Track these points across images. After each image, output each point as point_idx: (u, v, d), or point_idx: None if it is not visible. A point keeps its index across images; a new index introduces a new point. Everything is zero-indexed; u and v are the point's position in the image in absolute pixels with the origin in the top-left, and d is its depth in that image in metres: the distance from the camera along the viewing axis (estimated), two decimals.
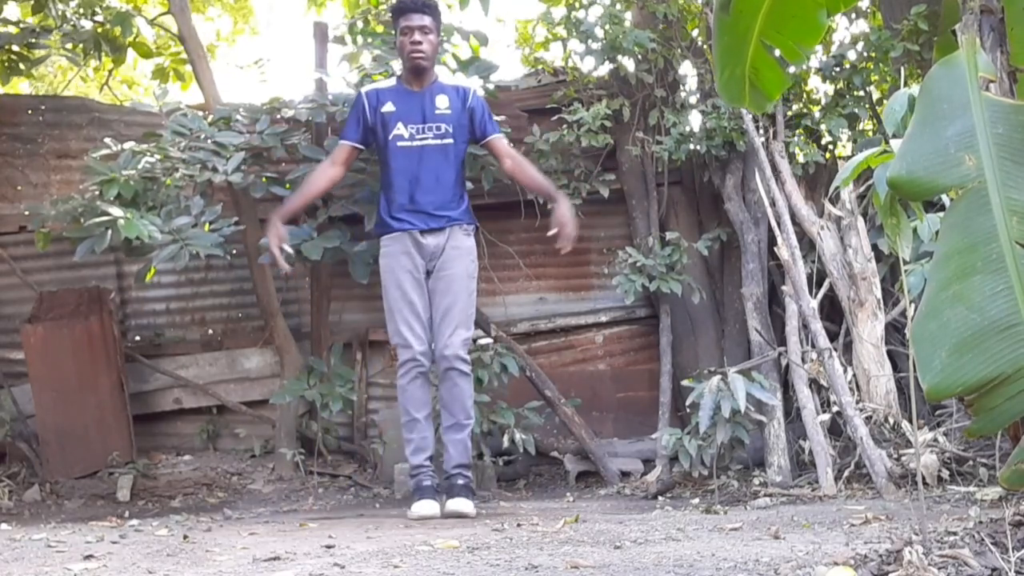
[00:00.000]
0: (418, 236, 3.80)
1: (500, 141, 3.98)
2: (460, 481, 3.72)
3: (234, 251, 4.74)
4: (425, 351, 3.77)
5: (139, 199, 4.09)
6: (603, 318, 5.15)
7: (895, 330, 4.27)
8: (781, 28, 2.10)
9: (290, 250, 3.86)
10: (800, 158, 4.48)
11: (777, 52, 2.15)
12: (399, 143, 3.83)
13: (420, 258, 3.81)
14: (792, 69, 2.35)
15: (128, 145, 4.26)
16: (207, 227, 4.13)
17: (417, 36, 3.80)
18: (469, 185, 4.22)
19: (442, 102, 3.87)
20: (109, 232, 3.84)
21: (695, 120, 4.81)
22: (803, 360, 4.00)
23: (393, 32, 4.46)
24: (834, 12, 2.12)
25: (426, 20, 3.81)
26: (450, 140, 3.85)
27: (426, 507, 3.60)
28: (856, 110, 4.61)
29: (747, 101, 2.23)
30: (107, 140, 4.36)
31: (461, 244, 3.85)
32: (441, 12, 3.98)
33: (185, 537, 2.98)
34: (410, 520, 3.52)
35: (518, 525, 3.10)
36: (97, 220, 3.85)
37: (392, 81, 3.97)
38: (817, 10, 2.08)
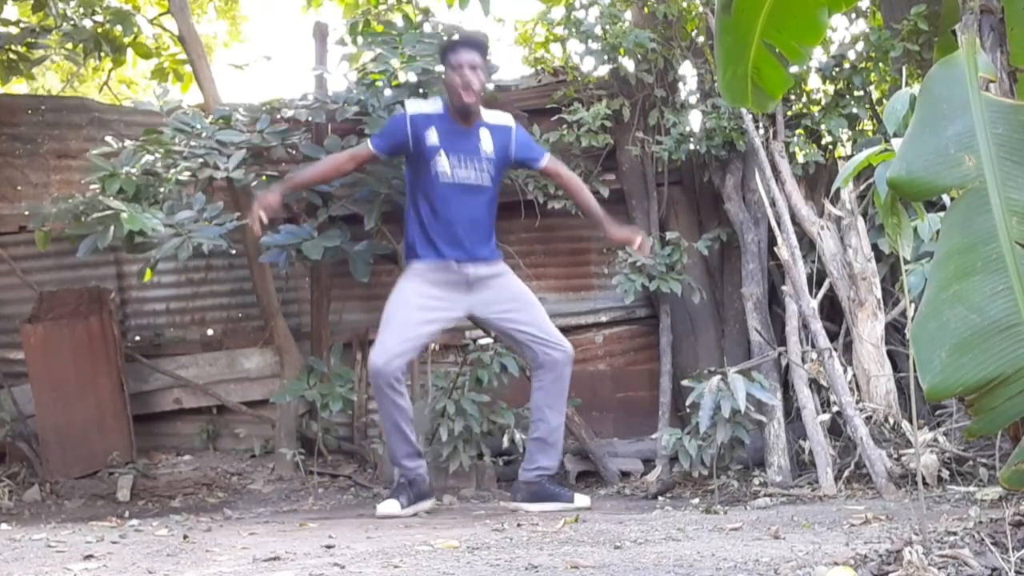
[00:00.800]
0: (455, 267, 3.78)
1: (553, 163, 4.03)
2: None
3: (234, 251, 4.74)
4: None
5: (141, 195, 4.10)
6: (603, 318, 5.15)
7: (895, 330, 4.26)
8: (782, 27, 2.10)
9: (265, 220, 3.76)
10: (800, 158, 4.48)
11: (779, 51, 2.15)
12: (442, 179, 3.76)
13: (453, 289, 3.79)
14: (794, 68, 2.35)
15: (129, 142, 4.26)
16: (209, 222, 4.14)
17: (468, 74, 3.72)
18: None
19: (486, 144, 3.83)
20: (112, 227, 3.84)
21: (695, 120, 4.81)
22: (803, 360, 4.00)
23: (395, 33, 4.47)
24: (835, 11, 2.12)
25: (477, 59, 3.76)
26: (490, 183, 3.84)
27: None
28: (856, 110, 4.61)
29: (750, 101, 2.23)
30: (108, 139, 4.37)
31: (503, 270, 3.92)
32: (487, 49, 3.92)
33: (185, 537, 2.98)
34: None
35: (518, 525, 3.10)
36: (99, 215, 3.85)
37: (438, 105, 3.85)
38: (818, 9, 2.08)
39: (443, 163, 3.76)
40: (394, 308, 3.76)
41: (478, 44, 3.83)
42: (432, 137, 3.75)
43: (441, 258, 3.77)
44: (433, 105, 3.86)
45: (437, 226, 3.78)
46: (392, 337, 3.69)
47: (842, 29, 5.02)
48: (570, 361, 3.86)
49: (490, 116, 3.91)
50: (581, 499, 3.78)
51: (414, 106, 3.85)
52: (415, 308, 3.73)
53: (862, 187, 4.17)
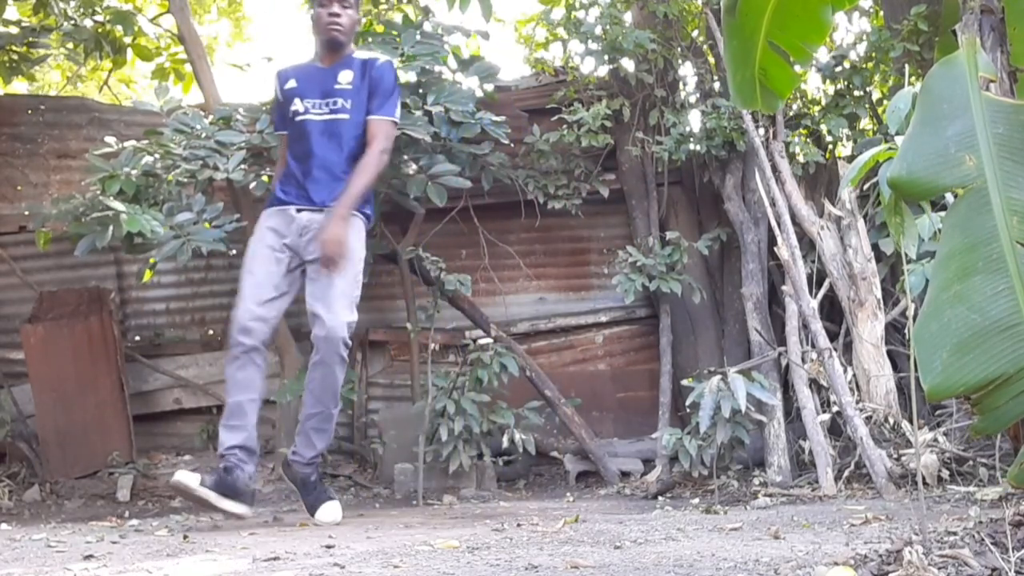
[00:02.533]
0: (292, 212, 3.51)
1: (378, 125, 3.54)
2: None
3: (234, 251, 4.74)
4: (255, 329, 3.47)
5: (140, 196, 4.10)
6: (603, 318, 5.15)
7: (895, 330, 4.27)
8: (786, 27, 2.11)
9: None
10: (800, 158, 4.48)
11: (784, 51, 2.15)
12: (296, 118, 3.56)
13: (288, 236, 3.50)
14: (799, 68, 2.35)
15: (129, 143, 4.26)
16: (208, 224, 4.14)
17: (336, 8, 3.53)
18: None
19: (344, 77, 3.56)
20: (111, 228, 3.84)
21: (695, 120, 4.82)
22: (803, 360, 4.00)
23: (395, 33, 4.46)
24: (839, 9, 2.12)
25: None
26: (345, 116, 3.53)
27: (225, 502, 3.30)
28: (856, 110, 4.61)
29: (759, 103, 2.24)
30: (108, 139, 4.37)
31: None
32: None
33: (185, 537, 2.98)
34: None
35: (518, 525, 3.10)
36: (99, 215, 3.85)
37: (308, 57, 3.72)
38: (821, 7, 2.09)
39: (297, 104, 3.55)
40: (246, 259, 3.54)
41: None
42: (291, 83, 3.62)
43: (280, 203, 3.54)
44: (302, 60, 3.74)
45: (289, 170, 3.56)
46: (247, 292, 3.47)
47: (843, 29, 5.03)
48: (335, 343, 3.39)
49: (363, 53, 3.69)
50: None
51: (282, 66, 3.74)
52: (260, 259, 3.50)
53: (863, 186, 4.17)
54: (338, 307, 3.39)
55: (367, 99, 3.54)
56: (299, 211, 3.51)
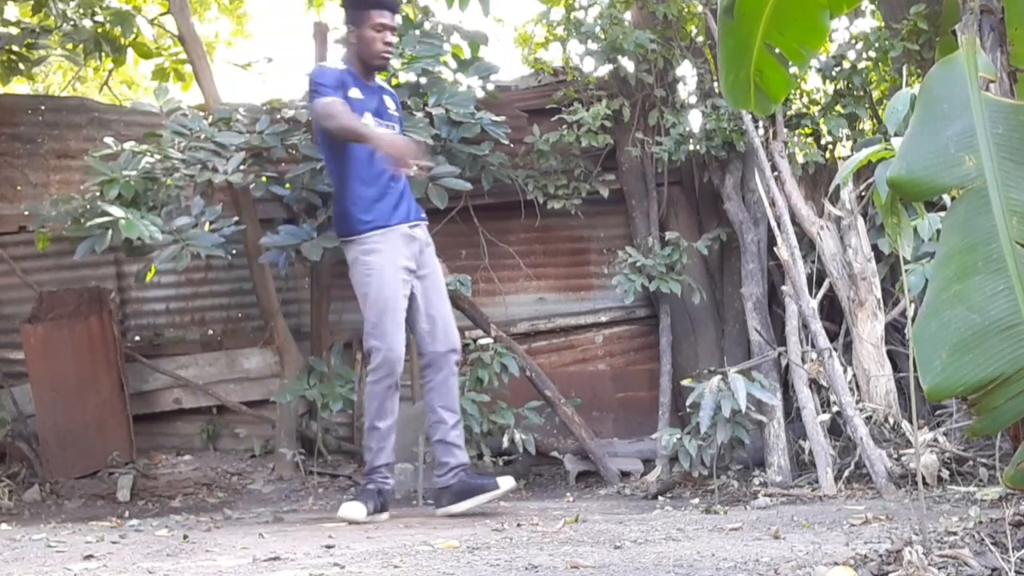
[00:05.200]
0: (407, 230, 3.67)
1: None
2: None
3: (234, 251, 4.74)
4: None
5: (140, 199, 4.09)
6: (603, 318, 5.15)
7: (895, 330, 4.27)
8: (784, 30, 2.10)
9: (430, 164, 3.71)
10: (800, 158, 4.48)
11: (781, 54, 2.15)
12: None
13: (410, 258, 3.66)
14: (795, 70, 2.36)
15: (128, 145, 4.26)
16: (207, 227, 4.14)
17: (391, 37, 3.69)
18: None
19: (390, 104, 3.79)
20: (109, 232, 3.84)
21: (695, 120, 4.82)
22: (803, 360, 4.00)
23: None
24: (836, 13, 2.12)
25: (398, 21, 3.73)
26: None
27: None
28: (856, 110, 4.61)
29: (752, 104, 2.23)
30: (107, 140, 4.37)
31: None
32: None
33: (185, 537, 2.98)
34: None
35: (518, 525, 3.10)
36: (98, 220, 3.85)
37: (341, 65, 3.72)
38: (820, 11, 2.08)
39: (368, 119, 3.63)
40: (379, 288, 3.59)
41: (399, 7, 3.79)
42: (356, 93, 3.64)
43: (387, 226, 3.68)
44: (339, 65, 3.74)
45: (378, 190, 3.65)
46: (396, 326, 3.58)
47: (842, 29, 5.03)
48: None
49: (380, 80, 3.86)
50: (505, 481, 3.60)
51: (337, 64, 3.75)
52: (394, 287, 3.62)
53: (862, 187, 4.17)
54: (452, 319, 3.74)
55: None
56: (412, 227, 3.69)
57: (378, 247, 3.60)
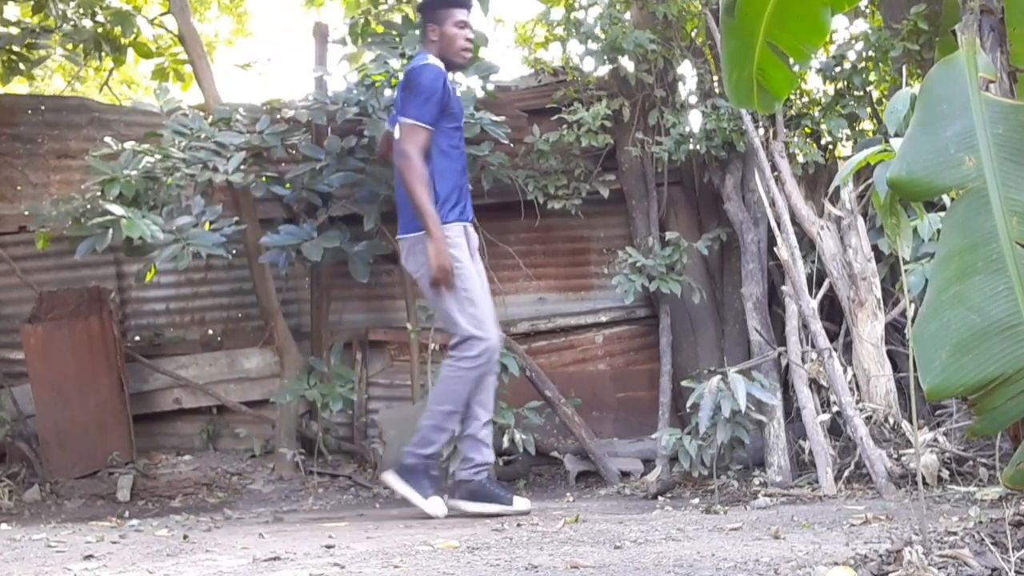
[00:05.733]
0: (472, 230, 3.83)
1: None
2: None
3: (234, 251, 4.74)
4: None
5: (140, 199, 4.10)
6: (603, 318, 5.15)
7: (895, 330, 4.26)
8: (786, 28, 2.11)
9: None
10: (800, 158, 4.48)
11: (783, 52, 2.15)
12: (461, 135, 3.78)
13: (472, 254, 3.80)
14: (797, 68, 2.36)
15: (129, 145, 4.26)
16: (208, 227, 4.14)
17: (470, 33, 3.78)
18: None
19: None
20: (110, 231, 3.84)
21: (695, 120, 4.81)
22: (803, 360, 4.00)
23: (395, 33, 4.46)
24: (838, 11, 2.12)
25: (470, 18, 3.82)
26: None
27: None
28: (856, 110, 4.61)
29: (756, 102, 2.24)
30: (108, 140, 4.37)
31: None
32: None
33: (185, 537, 2.98)
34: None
35: (518, 525, 3.11)
36: (99, 219, 3.85)
37: (439, 63, 3.72)
38: (821, 9, 2.09)
39: (461, 122, 3.79)
40: (467, 281, 3.67)
41: (471, 3, 3.85)
42: (456, 93, 3.79)
43: (467, 219, 3.82)
44: (438, 62, 3.74)
45: (458, 184, 3.74)
46: (489, 316, 3.69)
47: (842, 29, 5.03)
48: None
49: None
50: (521, 503, 3.65)
51: (434, 59, 3.71)
52: (476, 279, 3.76)
53: (862, 187, 4.17)
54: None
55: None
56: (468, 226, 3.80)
57: (459, 241, 3.71)
